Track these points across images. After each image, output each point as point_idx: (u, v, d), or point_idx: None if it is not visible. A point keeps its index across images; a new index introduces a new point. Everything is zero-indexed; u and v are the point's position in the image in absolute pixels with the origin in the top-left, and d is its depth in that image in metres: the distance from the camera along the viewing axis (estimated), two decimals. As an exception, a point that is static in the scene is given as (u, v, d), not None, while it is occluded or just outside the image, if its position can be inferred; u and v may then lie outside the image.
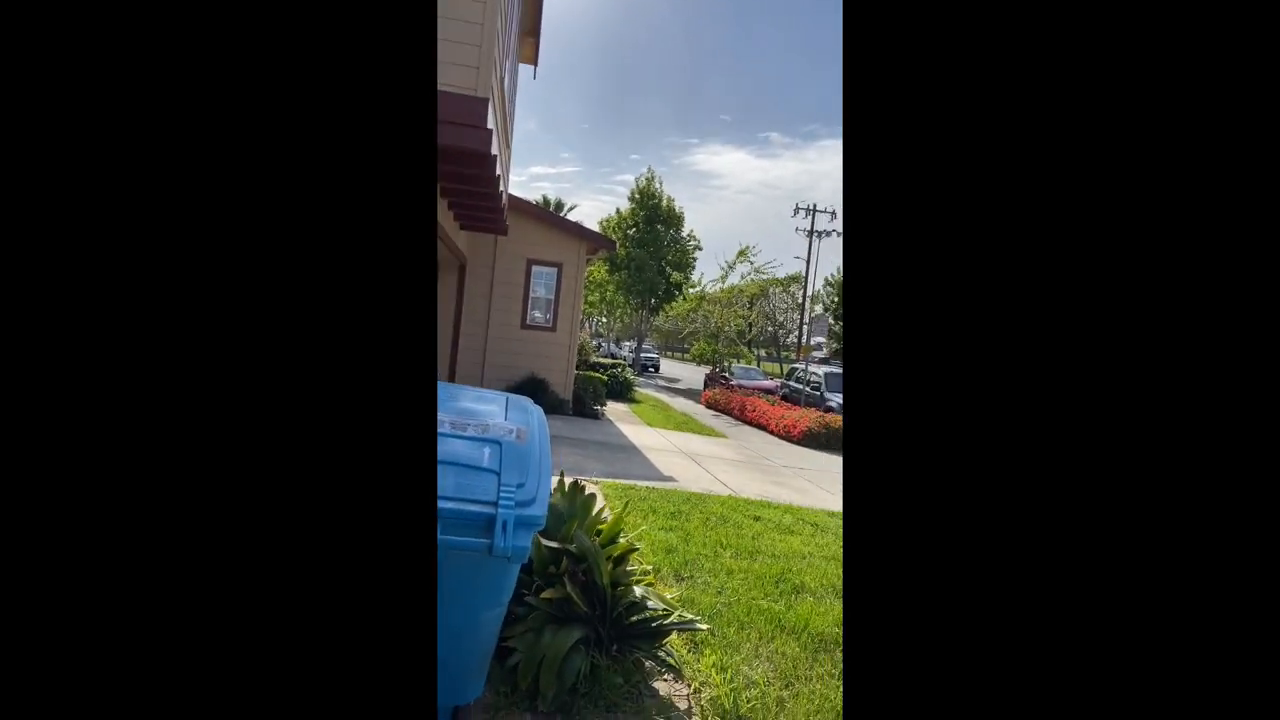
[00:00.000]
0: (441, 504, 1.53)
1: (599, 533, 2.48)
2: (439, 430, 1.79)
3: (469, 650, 1.67)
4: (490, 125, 4.42)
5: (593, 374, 11.38)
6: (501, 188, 6.25)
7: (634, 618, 2.30)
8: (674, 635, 2.42)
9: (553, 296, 10.12)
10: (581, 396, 10.29)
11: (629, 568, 2.48)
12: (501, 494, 1.60)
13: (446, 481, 1.61)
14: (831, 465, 8.60)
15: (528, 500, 1.61)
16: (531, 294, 10.03)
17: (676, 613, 2.41)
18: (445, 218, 6.74)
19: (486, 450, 1.75)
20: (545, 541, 2.33)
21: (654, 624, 2.32)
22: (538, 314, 10.09)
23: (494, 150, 4.66)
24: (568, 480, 2.73)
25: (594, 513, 2.59)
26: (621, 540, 2.52)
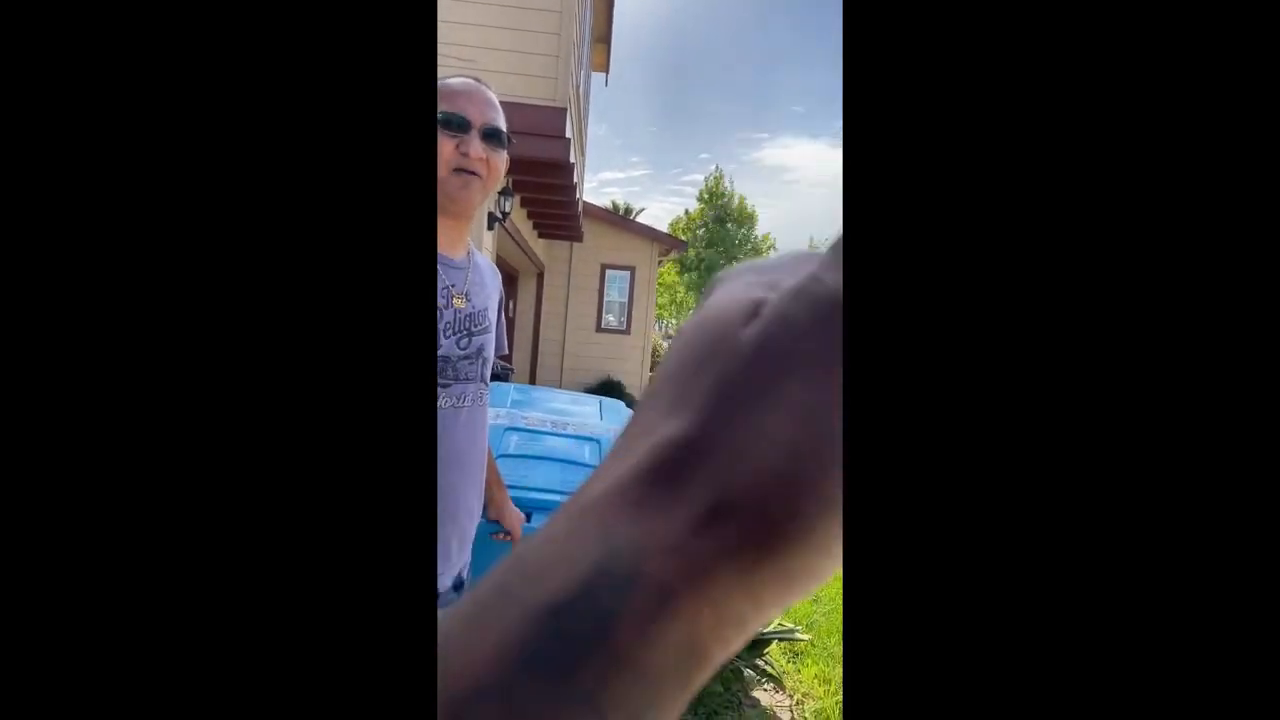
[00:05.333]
0: (543, 495, 1.57)
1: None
2: (541, 429, 1.85)
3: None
4: (568, 134, 4.50)
5: (667, 376, 11.35)
6: (577, 195, 6.36)
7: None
8: (773, 644, 2.36)
9: (626, 300, 10.21)
10: (657, 399, 10.30)
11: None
12: None
13: (551, 476, 1.67)
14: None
15: None
16: (606, 298, 10.16)
17: (775, 621, 2.34)
18: (524, 226, 6.93)
19: (586, 448, 1.82)
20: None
21: (752, 632, 2.27)
22: (611, 317, 10.21)
23: (571, 159, 4.75)
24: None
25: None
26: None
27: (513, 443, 1.78)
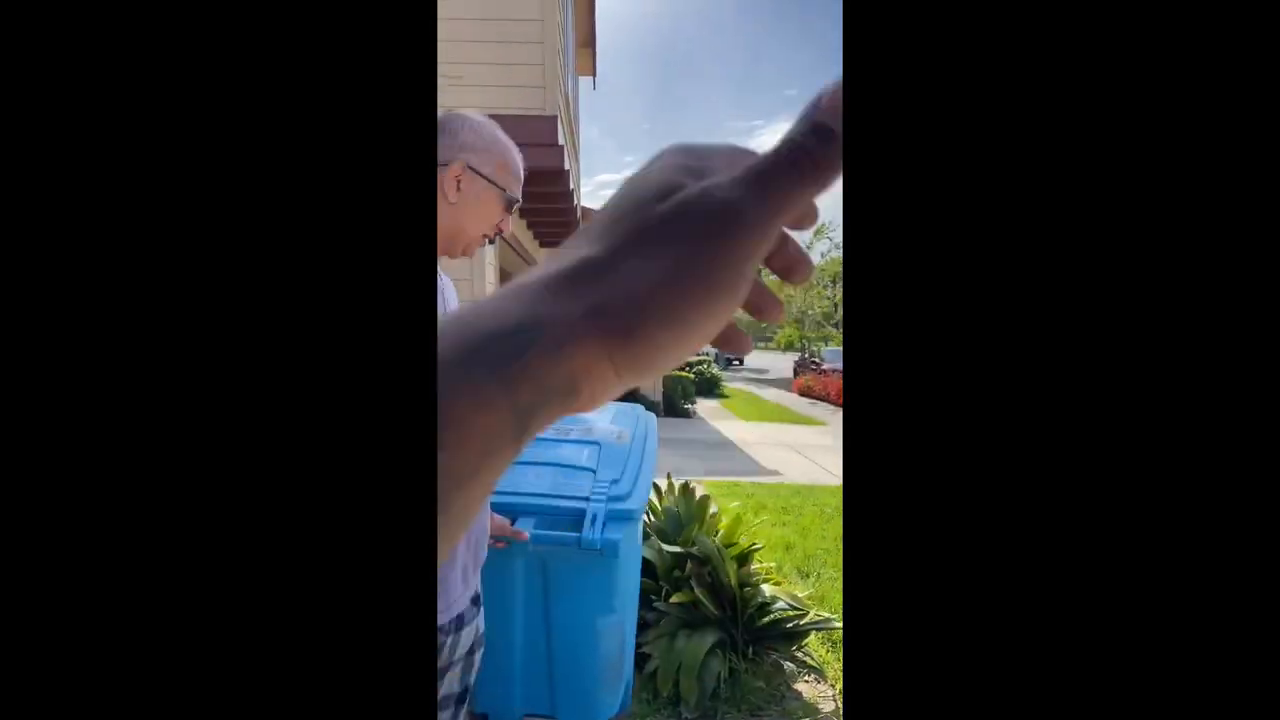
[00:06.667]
0: (536, 500, 1.57)
1: (718, 533, 2.44)
2: (542, 435, 1.83)
3: (588, 661, 1.65)
4: (560, 141, 4.50)
5: (679, 373, 11.37)
6: (575, 201, 6.36)
7: (766, 619, 2.24)
8: (811, 635, 2.34)
9: (633, 301, 10.17)
10: (671, 397, 10.30)
11: (753, 567, 2.42)
12: (594, 490, 1.61)
13: (543, 481, 1.64)
14: (944, 443, 8.08)
15: (621, 495, 1.60)
16: (612, 301, 10.13)
17: (811, 611, 2.32)
18: (524, 236, 6.94)
19: (585, 451, 1.78)
20: (666, 546, 2.32)
21: (789, 624, 2.25)
22: (620, 320, 10.17)
23: (565, 165, 4.75)
24: (676, 482, 2.71)
25: (710, 514, 2.56)
26: (742, 540, 2.46)
27: None
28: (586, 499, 1.57)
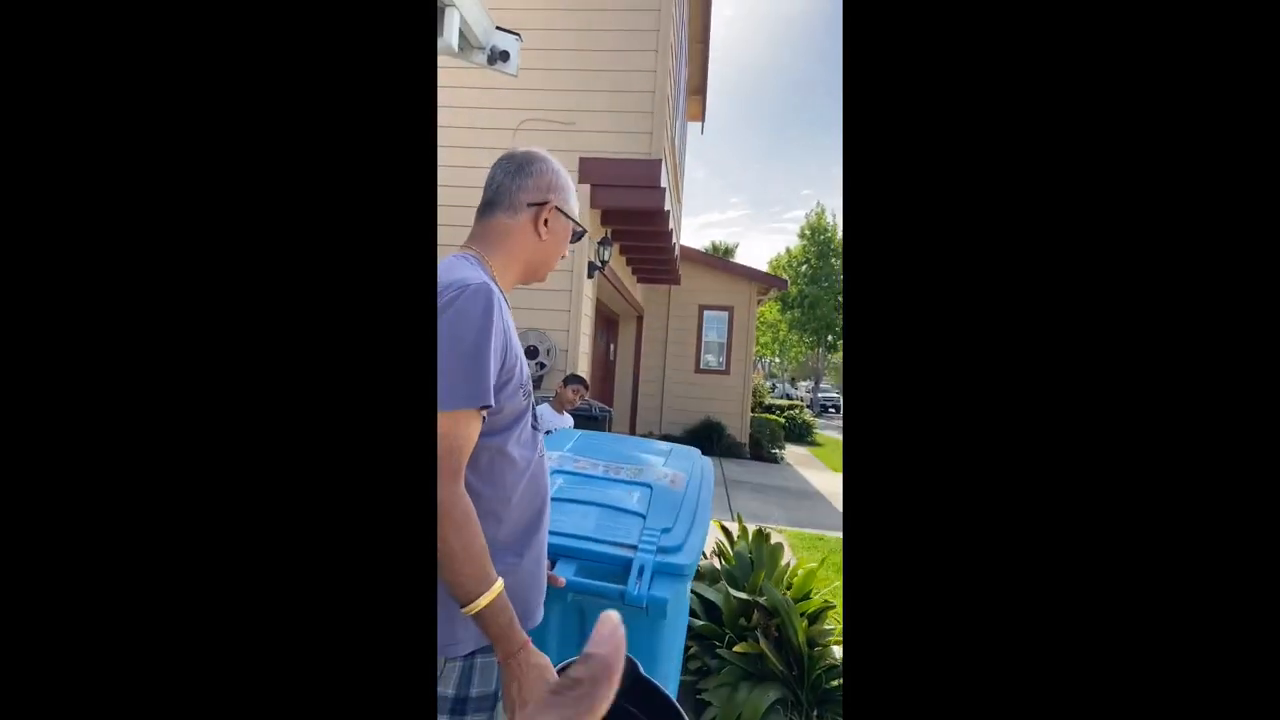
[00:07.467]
0: (578, 543, 1.40)
1: (790, 586, 2.36)
2: (591, 474, 1.72)
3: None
4: (663, 184, 4.67)
5: (769, 416, 11.11)
6: (674, 240, 6.52)
7: (834, 682, 2.12)
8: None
9: (725, 340, 10.17)
10: (759, 439, 10.07)
11: (827, 626, 2.31)
12: (644, 537, 1.43)
13: (588, 522, 1.49)
14: (1061, 518, 7.27)
15: (673, 547, 1.42)
16: (704, 339, 10.18)
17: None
18: (623, 272, 7.18)
19: (636, 493, 1.63)
20: (734, 592, 2.28)
21: (858, 692, 2.11)
22: (711, 358, 10.19)
23: (667, 206, 4.91)
24: (750, 527, 2.65)
25: (782, 563, 2.48)
26: (815, 596, 2.36)
27: (557, 484, 1.66)
28: (634, 547, 1.40)
